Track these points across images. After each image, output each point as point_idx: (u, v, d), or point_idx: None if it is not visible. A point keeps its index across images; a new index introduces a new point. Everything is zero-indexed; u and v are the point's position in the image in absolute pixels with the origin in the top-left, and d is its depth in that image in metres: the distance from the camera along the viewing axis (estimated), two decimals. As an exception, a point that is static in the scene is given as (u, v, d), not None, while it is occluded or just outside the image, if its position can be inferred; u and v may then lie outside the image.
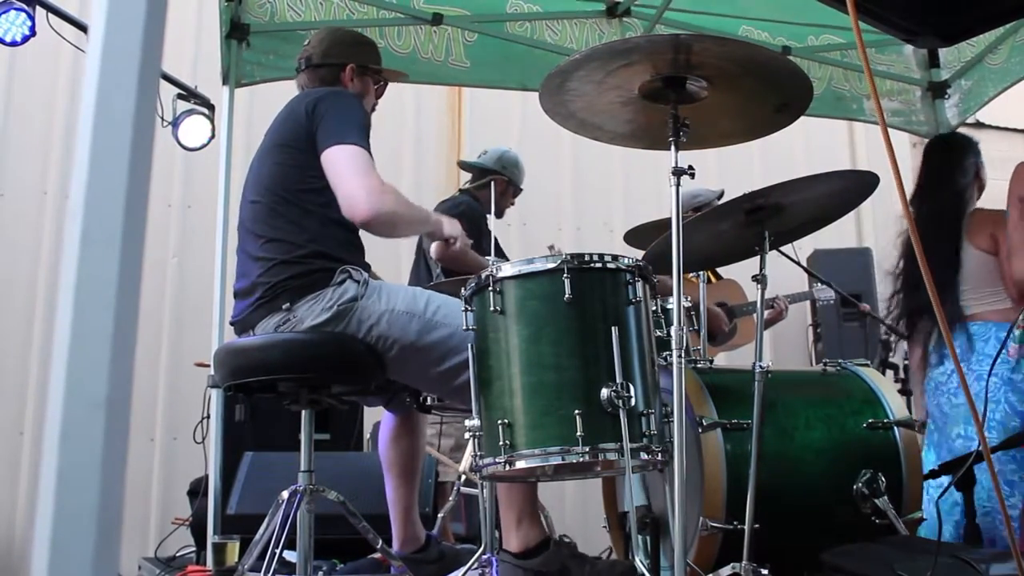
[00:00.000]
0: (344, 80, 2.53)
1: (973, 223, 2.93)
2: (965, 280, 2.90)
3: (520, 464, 1.86)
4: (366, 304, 2.18)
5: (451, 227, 2.44)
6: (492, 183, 3.30)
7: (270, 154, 2.36)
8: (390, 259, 4.58)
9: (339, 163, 2.20)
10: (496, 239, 2.99)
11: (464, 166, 4.11)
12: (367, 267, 2.31)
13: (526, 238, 5.38)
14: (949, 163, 3.04)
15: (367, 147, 2.25)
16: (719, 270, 4.36)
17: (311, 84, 2.52)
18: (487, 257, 2.84)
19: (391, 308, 2.19)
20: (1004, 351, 2.74)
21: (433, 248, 3.50)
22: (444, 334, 2.18)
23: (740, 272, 4.11)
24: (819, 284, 4.70)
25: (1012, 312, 2.85)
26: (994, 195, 3.02)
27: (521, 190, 3.95)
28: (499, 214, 3.91)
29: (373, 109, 2.60)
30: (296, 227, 2.24)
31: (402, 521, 2.60)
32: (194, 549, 3.30)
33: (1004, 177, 2.90)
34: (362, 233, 2.34)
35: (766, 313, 4.35)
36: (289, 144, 2.31)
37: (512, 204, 3.98)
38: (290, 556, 2.29)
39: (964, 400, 2.83)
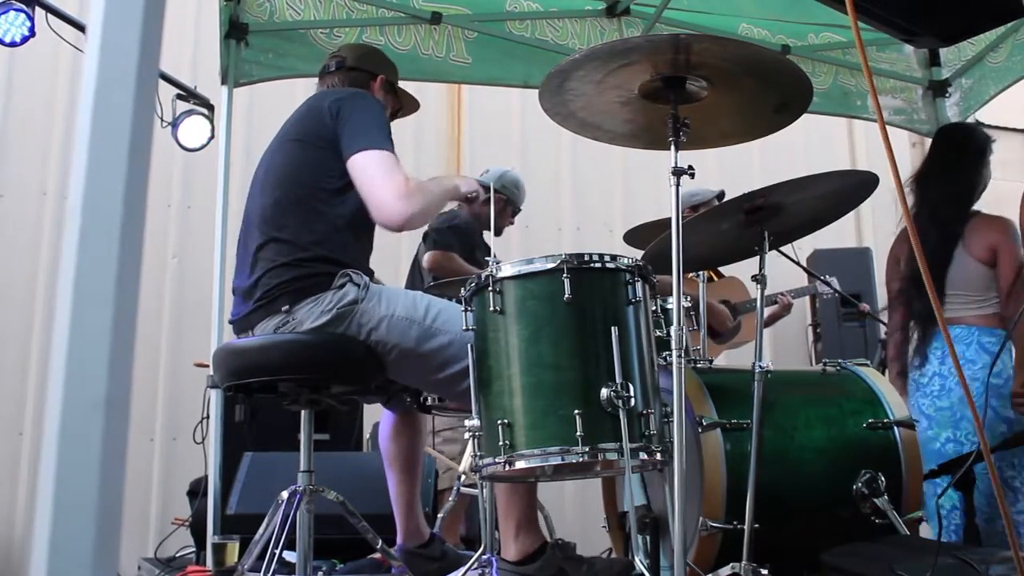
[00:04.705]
0: (373, 89, 2.54)
1: (973, 230, 2.84)
2: (953, 284, 2.82)
3: (520, 464, 1.86)
4: (366, 307, 2.17)
5: (467, 185, 2.48)
6: (491, 200, 3.34)
7: (286, 149, 2.34)
8: (390, 260, 4.58)
9: (368, 169, 2.20)
10: (494, 254, 3.00)
11: None
12: (370, 272, 2.30)
13: (527, 239, 5.37)
14: (964, 154, 2.94)
15: (392, 148, 2.25)
16: (720, 268, 4.36)
17: (340, 85, 2.52)
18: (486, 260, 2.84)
19: (391, 313, 2.18)
20: (990, 357, 2.69)
21: (426, 258, 3.53)
22: (443, 341, 2.17)
23: (740, 272, 4.12)
24: (819, 279, 4.70)
25: (995, 319, 2.80)
26: (992, 196, 3.00)
27: (519, 210, 4.05)
28: (498, 232, 3.98)
29: None
30: (304, 229, 2.23)
31: (405, 515, 2.61)
32: (194, 549, 3.30)
33: (1002, 178, 2.88)
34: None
35: (772, 308, 4.36)
36: (308, 140, 2.30)
37: (511, 223, 4.07)
38: (290, 556, 2.29)
39: (948, 404, 2.80)
